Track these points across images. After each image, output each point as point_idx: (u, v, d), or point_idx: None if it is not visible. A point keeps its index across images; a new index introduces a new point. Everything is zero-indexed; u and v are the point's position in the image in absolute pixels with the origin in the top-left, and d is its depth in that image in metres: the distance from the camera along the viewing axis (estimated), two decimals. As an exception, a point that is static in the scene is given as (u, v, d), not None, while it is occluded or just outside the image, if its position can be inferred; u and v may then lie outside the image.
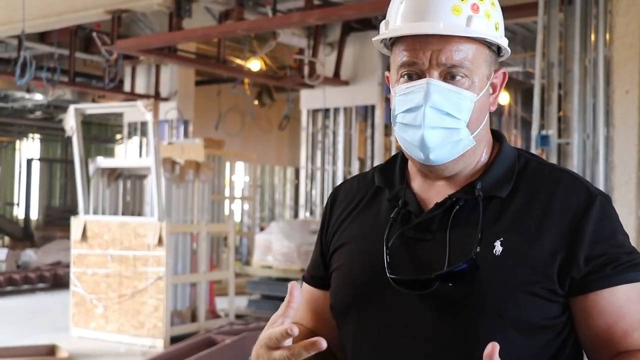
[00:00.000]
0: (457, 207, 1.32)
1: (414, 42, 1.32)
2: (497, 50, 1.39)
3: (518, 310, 1.25)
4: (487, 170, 1.36)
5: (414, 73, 1.33)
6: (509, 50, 1.38)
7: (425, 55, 1.31)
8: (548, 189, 1.32)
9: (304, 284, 1.57)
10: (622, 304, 1.29)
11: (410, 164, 1.44)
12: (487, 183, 1.34)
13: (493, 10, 1.35)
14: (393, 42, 1.38)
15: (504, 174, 1.35)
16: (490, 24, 1.34)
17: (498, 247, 1.26)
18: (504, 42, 1.37)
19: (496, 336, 1.19)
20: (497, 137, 1.44)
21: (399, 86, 1.35)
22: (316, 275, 1.55)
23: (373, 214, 1.45)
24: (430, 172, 1.39)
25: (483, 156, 1.39)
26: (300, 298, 1.26)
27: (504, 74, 1.41)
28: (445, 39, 1.30)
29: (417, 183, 1.42)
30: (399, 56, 1.35)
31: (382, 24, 1.40)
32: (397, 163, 1.48)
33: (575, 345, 1.34)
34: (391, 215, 1.39)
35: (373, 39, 1.41)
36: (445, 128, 1.31)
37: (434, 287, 1.29)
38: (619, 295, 1.29)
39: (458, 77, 1.31)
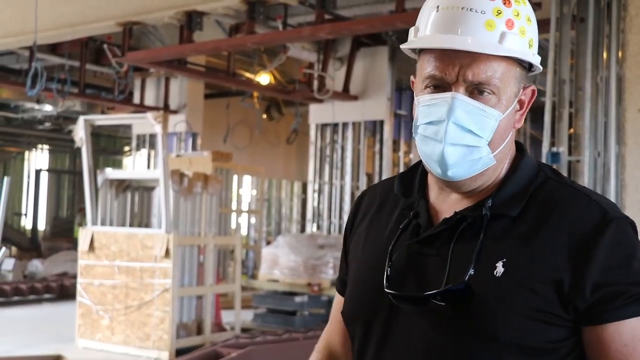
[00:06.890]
0: (464, 224, 1.28)
1: (443, 55, 1.27)
2: (529, 66, 1.34)
3: (515, 334, 1.20)
4: (502, 187, 1.31)
5: (440, 85, 1.28)
6: (541, 68, 1.33)
7: (453, 70, 1.26)
8: (560, 211, 1.25)
9: (337, 293, 1.56)
10: (626, 342, 1.21)
11: (429, 175, 1.40)
12: (498, 200, 1.28)
13: (528, 27, 1.31)
14: (421, 49, 1.33)
15: (518, 191, 1.29)
16: (524, 41, 1.29)
17: (499, 268, 1.21)
18: (536, 59, 1.32)
19: (489, 358, 1.18)
20: (518, 149, 1.38)
21: (423, 96, 1.30)
22: (343, 278, 1.54)
23: (387, 222, 1.42)
24: (447, 186, 1.35)
25: (503, 172, 1.34)
26: None
27: (533, 91, 1.35)
28: (475, 55, 1.25)
29: (433, 194, 1.38)
30: (427, 66, 1.30)
31: (412, 30, 1.35)
32: (419, 171, 1.43)
33: None
34: (400, 226, 1.37)
35: (401, 46, 1.35)
36: (465, 145, 1.26)
37: (429, 305, 1.26)
38: (624, 332, 1.21)
39: (485, 93, 1.26)
